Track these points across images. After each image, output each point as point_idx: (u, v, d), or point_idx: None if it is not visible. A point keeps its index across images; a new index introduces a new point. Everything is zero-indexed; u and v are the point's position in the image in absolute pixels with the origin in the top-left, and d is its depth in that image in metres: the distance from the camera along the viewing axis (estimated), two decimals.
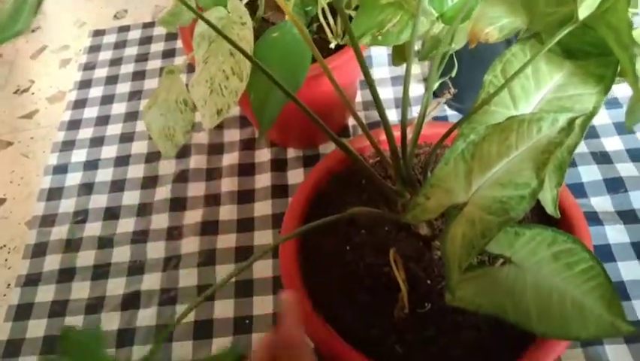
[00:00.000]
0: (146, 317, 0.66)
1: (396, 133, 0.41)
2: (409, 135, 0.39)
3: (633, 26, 0.27)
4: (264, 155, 0.79)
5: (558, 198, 0.31)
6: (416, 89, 0.84)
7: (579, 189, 0.68)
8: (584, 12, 0.29)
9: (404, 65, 0.81)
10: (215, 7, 0.55)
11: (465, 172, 0.30)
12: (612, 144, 0.73)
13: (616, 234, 0.64)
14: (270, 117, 0.53)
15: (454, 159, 0.30)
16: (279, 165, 0.78)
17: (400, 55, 0.65)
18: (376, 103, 0.37)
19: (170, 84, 0.59)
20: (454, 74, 0.56)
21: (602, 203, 0.67)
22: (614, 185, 0.69)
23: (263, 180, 0.77)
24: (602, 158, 0.72)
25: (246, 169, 0.78)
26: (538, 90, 0.33)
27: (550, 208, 0.31)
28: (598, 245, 0.63)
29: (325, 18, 0.64)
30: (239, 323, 0.63)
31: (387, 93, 0.84)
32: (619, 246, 0.63)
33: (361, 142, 0.54)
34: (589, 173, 0.70)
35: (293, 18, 0.45)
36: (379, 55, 0.90)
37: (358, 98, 0.85)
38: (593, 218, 0.65)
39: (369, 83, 0.38)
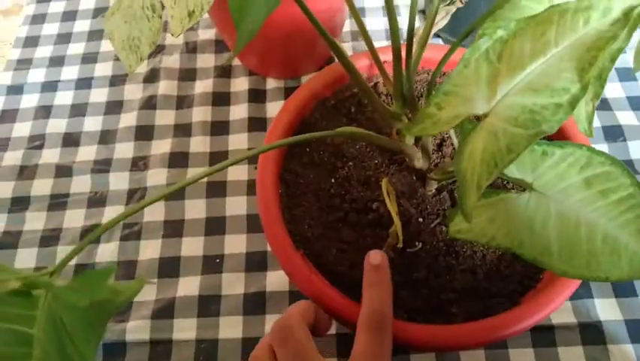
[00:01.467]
0: (107, 251, 0.60)
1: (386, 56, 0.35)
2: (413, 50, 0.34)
3: None
4: (240, 84, 0.73)
5: (593, 114, 0.26)
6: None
7: None
8: None
9: None
10: None
11: (489, 76, 0.24)
12: (613, 90, 0.69)
13: None
14: (251, 28, 0.46)
15: (476, 60, 0.25)
16: (257, 96, 0.71)
17: None
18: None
19: None
20: None
21: None
22: (613, 133, 0.65)
23: (239, 111, 0.70)
24: (602, 104, 0.67)
25: (221, 98, 0.72)
26: None
27: (583, 125, 0.26)
28: None
29: None
30: (208, 262, 0.58)
31: (377, 24, 0.78)
32: None
33: (355, 62, 0.48)
34: None
35: None
36: None
37: (346, 28, 0.78)
38: None
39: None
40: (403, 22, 0.77)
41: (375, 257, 0.35)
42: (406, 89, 0.34)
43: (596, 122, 0.66)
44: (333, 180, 0.44)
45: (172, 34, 0.44)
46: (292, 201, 0.43)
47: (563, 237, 0.24)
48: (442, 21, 0.38)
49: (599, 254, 0.24)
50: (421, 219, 0.41)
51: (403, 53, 0.34)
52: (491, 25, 0.27)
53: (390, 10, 0.34)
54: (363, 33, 0.39)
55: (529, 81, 0.23)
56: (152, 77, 0.75)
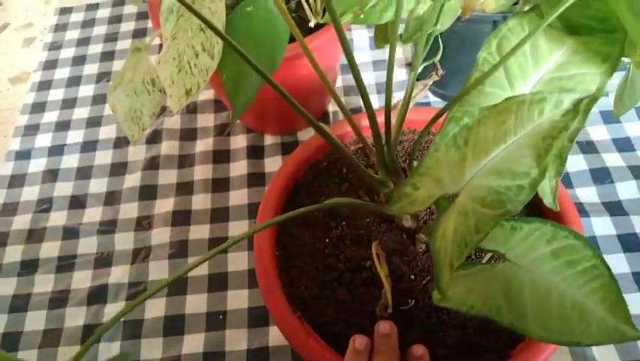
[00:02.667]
0: (114, 312, 0.62)
1: (380, 118, 0.38)
2: (393, 120, 0.36)
3: None
4: (239, 141, 0.76)
5: (558, 189, 0.28)
6: (399, 74, 0.81)
7: (565, 180, 0.66)
8: None
9: (386, 50, 0.78)
10: None
11: (457, 159, 0.27)
12: (598, 133, 0.71)
13: (602, 226, 0.62)
14: (245, 101, 0.49)
15: (445, 145, 0.27)
16: (255, 152, 0.74)
17: (382, 36, 0.62)
18: (358, 85, 0.34)
19: (136, 63, 0.55)
20: (438, 57, 0.53)
21: (587, 194, 0.65)
22: (600, 175, 0.67)
23: (238, 167, 0.73)
24: (588, 147, 0.70)
25: (221, 156, 0.75)
26: (536, 69, 0.30)
27: (548, 200, 0.28)
28: None
29: None
30: (212, 319, 0.60)
31: (368, 78, 0.81)
32: (605, 238, 0.61)
33: (342, 128, 0.51)
34: (575, 163, 0.68)
35: None
36: (360, 38, 0.87)
37: (339, 83, 0.81)
38: (579, 209, 0.63)
39: (351, 64, 0.35)
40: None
41: (385, 327, 0.38)
42: (388, 160, 0.36)
43: (583, 165, 0.68)
44: (327, 240, 0.46)
45: (171, 112, 0.47)
46: (289, 263, 0.45)
47: (537, 304, 0.26)
48: (420, 93, 0.41)
49: (570, 320, 0.26)
50: (412, 277, 0.43)
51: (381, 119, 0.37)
52: (459, 110, 0.29)
53: (361, 87, 0.36)
54: (343, 111, 0.42)
55: (494, 165, 0.25)
56: (154, 138, 0.78)
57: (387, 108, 0.35)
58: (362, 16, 0.56)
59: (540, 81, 0.29)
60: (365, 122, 0.46)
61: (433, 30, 0.55)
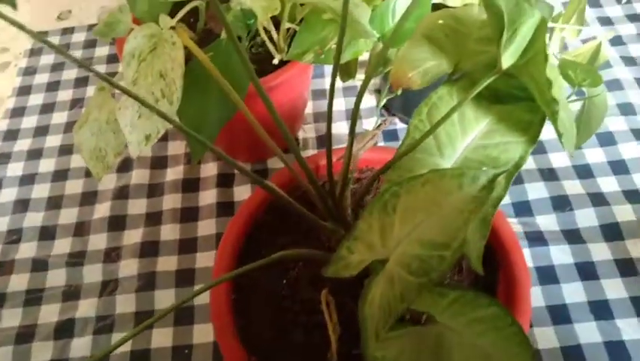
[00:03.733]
0: (81, 346, 0.62)
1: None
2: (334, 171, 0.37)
3: (555, 83, 0.25)
4: (209, 169, 0.76)
5: (482, 252, 0.30)
6: (367, 101, 0.82)
7: (525, 207, 0.68)
8: (507, 61, 0.27)
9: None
10: (147, 24, 0.52)
11: (387, 226, 0.28)
12: (559, 160, 0.73)
13: (560, 254, 0.63)
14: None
15: (377, 209, 0.28)
16: (225, 181, 0.75)
17: (346, 72, 0.63)
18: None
19: (101, 102, 0.55)
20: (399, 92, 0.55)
21: (547, 222, 0.66)
22: (560, 203, 0.68)
23: (208, 196, 0.74)
24: (549, 174, 0.71)
25: (191, 185, 0.75)
26: (464, 137, 0.31)
27: (474, 264, 0.29)
28: (541, 266, 0.62)
29: (268, 32, 0.62)
30: (177, 353, 0.61)
31: (338, 105, 0.82)
32: (563, 267, 0.62)
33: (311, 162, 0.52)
34: (535, 190, 0.69)
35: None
36: (329, 66, 0.88)
37: (309, 109, 0.82)
38: (538, 238, 0.65)
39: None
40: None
41: None
42: (334, 213, 0.37)
43: (544, 193, 0.69)
44: (284, 282, 0.47)
45: (131, 155, 0.48)
46: (245, 306, 0.46)
47: None
48: (370, 142, 0.42)
49: None
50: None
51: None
52: (393, 174, 0.30)
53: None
54: (284, 162, 0.43)
55: (418, 234, 0.26)
56: (125, 166, 0.78)
57: (348, 154, 0.35)
58: (323, 56, 0.57)
59: (467, 148, 0.31)
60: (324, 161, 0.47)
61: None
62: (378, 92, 0.83)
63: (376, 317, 0.25)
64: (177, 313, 0.63)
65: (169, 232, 0.71)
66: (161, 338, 0.62)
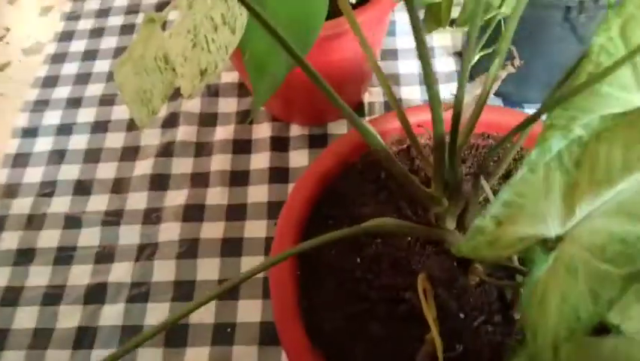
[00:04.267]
0: (112, 315, 0.55)
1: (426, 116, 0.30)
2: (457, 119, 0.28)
3: None
4: (262, 130, 0.68)
5: None
6: (445, 64, 0.72)
7: None
8: None
9: (431, 36, 0.68)
10: None
11: (564, 188, 0.19)
12: None
13: None
14: (270, 86, 0.41)
15: (546, 165, 0.19)
16: (279, 144, 0.67)
17: (435, 18, 0.53)
18: (425, 71, 0.26)
19: (148, 36, 0.47)
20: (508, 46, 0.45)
21: None
22: None
23: (260, 160, 0.65)
24: None
25: (242, 146, 0.67)
26: None
27: None
28: None
29: None
30: (219, 331, 0.53)
31: (410, 67, 0.72)
32: None
33: (384, 124, 0.43)
34: None
35: None
36: (403, 22, 0.78)
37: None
38: None
39: (419, 47, 0.27)
40: (436, 65, 0.70)
41: None
42: (448, 174, 0.28)
43: None
44: (358, 260, 0.38)
45: (183, 95, 0.40)
46: (312, 285, 0.37)
47: None
48: (493, 86, 0.32)
49: None
50: (462, 315, 0.35)
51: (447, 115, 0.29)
52: (563, 115, 0.21)
53: (428, 75, 0.28)
54: (391, 101, 0.34)
55: (621, 202, 0.17)
56: (171, 121, 0.71)
57: (458, 104, 0.26)
58: None
59: None
60: (414, 118, 0.38)
61: (496, 14, 0.46)
62: (458, 54, 0.72)
63: (553, 328, 0.17)
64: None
65: (216, 195, 0.63)
66: (201, 313, 0.54)
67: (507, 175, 0.40)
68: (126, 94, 0.48)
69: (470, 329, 0.35)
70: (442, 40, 0.75)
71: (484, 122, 0.35)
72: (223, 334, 0.53)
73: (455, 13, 0.47)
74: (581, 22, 0.55)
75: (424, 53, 0.27)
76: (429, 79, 0.27)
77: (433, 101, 0.28)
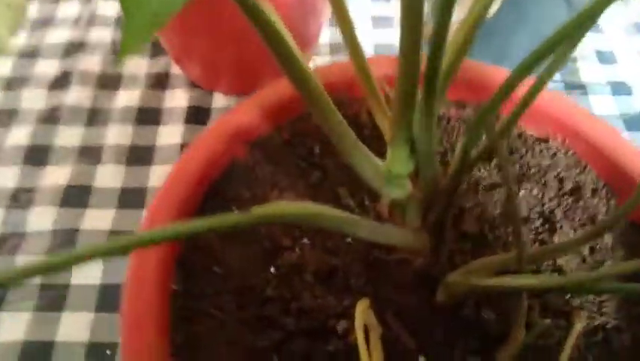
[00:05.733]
0: None
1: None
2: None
3: None
4: (178, 98, 0.55)
5: None
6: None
7: None
8: None
9: (390, 4, 0.57)
10: None
11: None
12: None
13: None
14: (153, 17, 0.28)
15: None
16: (197, 116, 0.53)
17: None
18: None
19: None
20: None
21: None
22: None
23: (170, 134, 0.52)
24: None
25: (149, 116, 0.53)
26: None
27: None
28: None
29: None
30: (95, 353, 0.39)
31: (365, 36, 0.61)
32: None
33: (333, 74, 0.31)
34: None
35: None
36: None
37: (325, 39, 0.60)
38: None
39: None
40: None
41: None
42: (419, 143, 0.16)
43: None
44: (272, 271, 0.26)
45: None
46: (194, 308, 0.24)
47: None
48: None
49: None
50: (422, 360, 0.23)
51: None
52: None
53: None
54: (348, 44, 0.22)
55: None
56: (61, 81, 0.56)
57: (440, 33, 0.14)
58: None
59: None
60: (379, 71, 0.26)
61: None
62: None
63: None
64: (101, 292, 0.42)
65: (108, 176, 0.49)
66: (75, 327, 0.40)
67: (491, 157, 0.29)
68: None
69: None
70: None
71: (464, 80, 0.24)
72: (100, 356, 0.39)
73: None
74: None
75: None
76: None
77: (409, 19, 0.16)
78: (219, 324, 0.24)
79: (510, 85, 0.17)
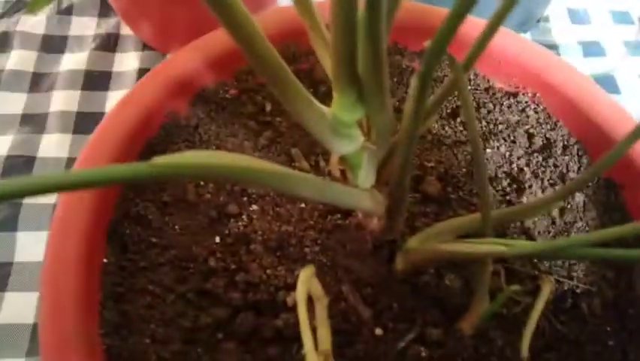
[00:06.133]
0: None
1: None
2: None
3: None
4: (129, 61, 0.51)
5: None
6: None
7: None
8: None
9: None
10: None
11: None
12: None
13: None
14: None
15: None
16: None
17: None
18: None
19: None
20: None
21: None
22: None
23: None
24: None
25: (97, 80, 0.49)
26: None
27: None
28: None
29: None
30: None
31: None
32: None
33: (279, 18, 0.28)
34: None
35: None
36: None
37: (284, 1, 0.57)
38: None
39: None
40: None
41: None
42: (366, 79, 0.13)
43: None
44: (217, 240, 0.23)
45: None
46: (128, 283, 0.22)
47: None
48: None
49: None
50: (379, 331, 0.21)
51: None
52: None
53: None
54: None
55: None
56: (2, 44, 0.52)
57: None
58: None
59: None
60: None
61: None
62: None
63: None
64: None
65: (53, 145, 0.45)
66: None
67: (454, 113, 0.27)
68: None
69: (392, 352, 0.21)
70: None
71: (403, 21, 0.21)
72: None
73: None
74: None
75: None
76: None
77: None
78: (156, 300, 0.21)
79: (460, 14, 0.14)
